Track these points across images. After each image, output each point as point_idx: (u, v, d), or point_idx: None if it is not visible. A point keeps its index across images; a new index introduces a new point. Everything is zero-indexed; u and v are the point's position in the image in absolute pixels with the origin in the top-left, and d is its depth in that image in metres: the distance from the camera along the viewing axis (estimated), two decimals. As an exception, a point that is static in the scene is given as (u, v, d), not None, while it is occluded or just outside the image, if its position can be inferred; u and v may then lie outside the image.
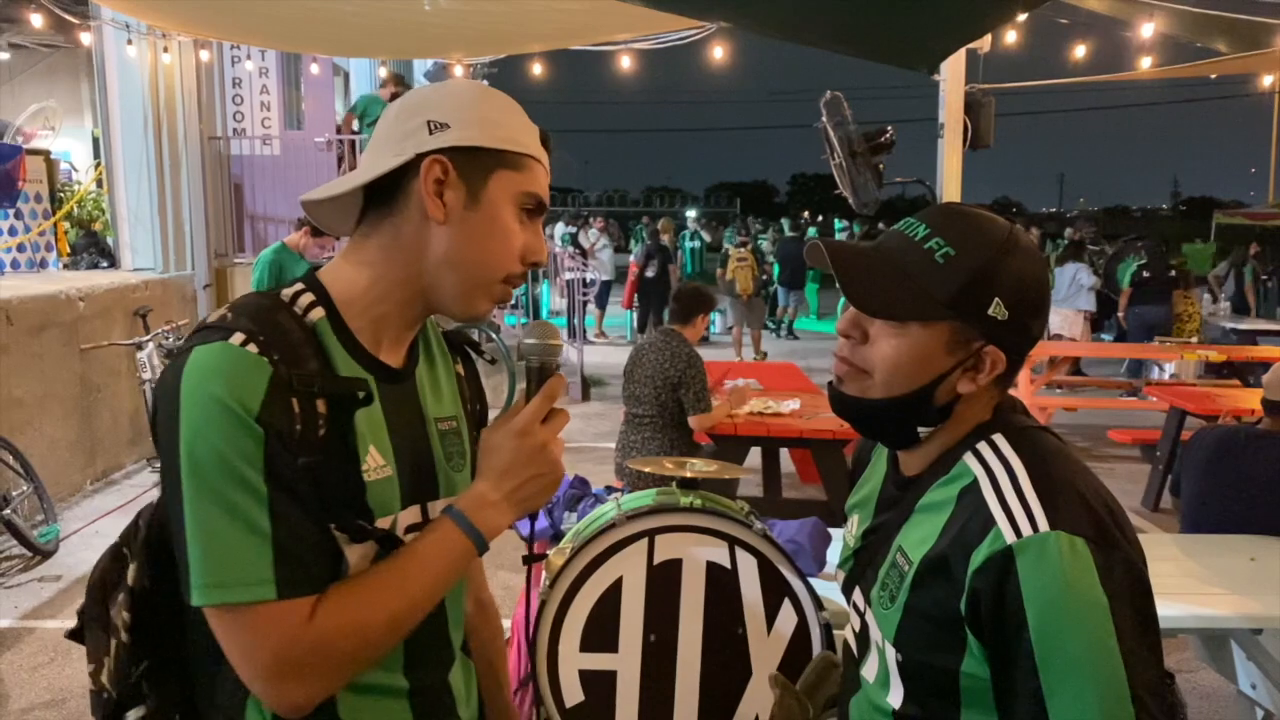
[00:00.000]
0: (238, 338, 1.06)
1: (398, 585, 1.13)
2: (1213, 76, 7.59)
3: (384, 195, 1.20)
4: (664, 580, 2.39)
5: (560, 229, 17.54)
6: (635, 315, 14.26)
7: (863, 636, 1.34)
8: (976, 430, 1.24)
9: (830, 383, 1.30)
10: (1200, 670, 3.84)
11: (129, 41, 8.09)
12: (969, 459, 1.21)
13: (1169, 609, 2.76)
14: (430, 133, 1.17)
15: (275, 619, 1.05)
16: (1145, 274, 10.42)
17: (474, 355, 1.45)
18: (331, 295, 1.18)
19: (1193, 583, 3.03)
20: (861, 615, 1.34)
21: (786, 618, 2.37)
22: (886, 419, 1.26)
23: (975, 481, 1.18)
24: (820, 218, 21.16)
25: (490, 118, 1.19)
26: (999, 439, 1.21)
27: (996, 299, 1.18)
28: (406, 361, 1.26)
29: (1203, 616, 2.84)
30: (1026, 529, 1.10)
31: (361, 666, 1.13)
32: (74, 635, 1.25)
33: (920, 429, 1.25)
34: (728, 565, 2.39)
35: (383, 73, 10.78)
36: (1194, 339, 9.91)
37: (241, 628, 1.06)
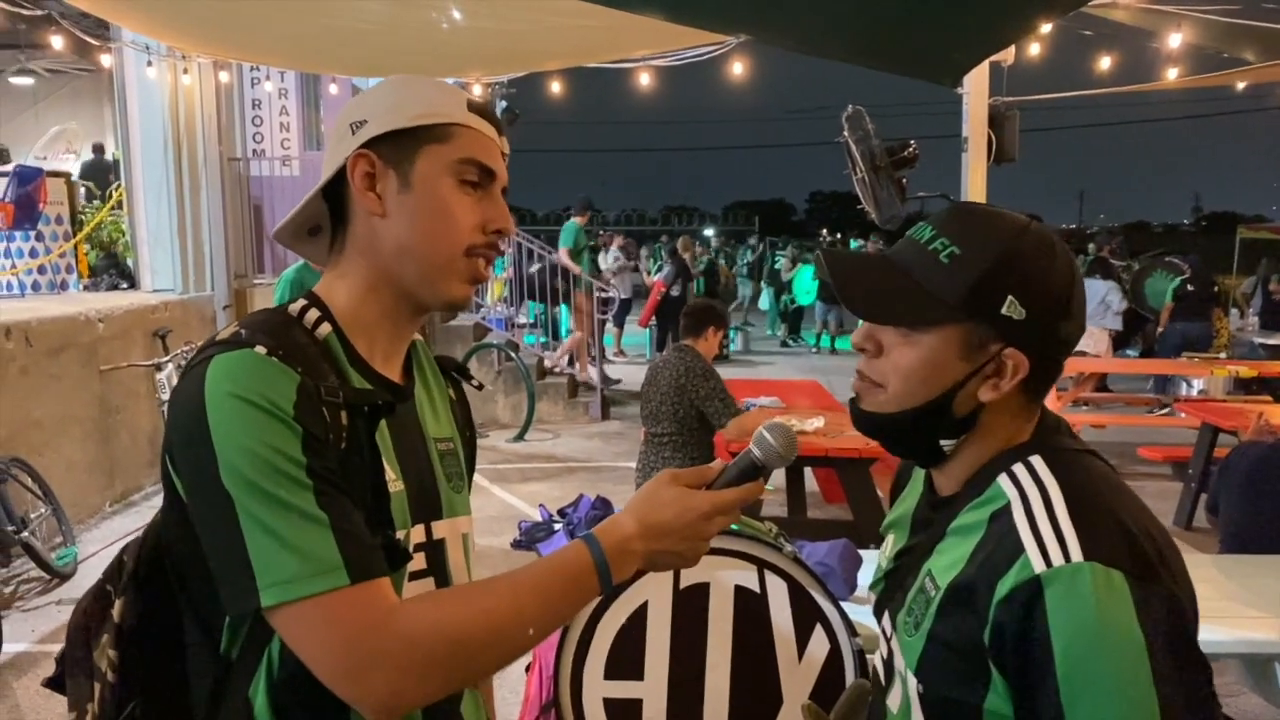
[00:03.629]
0: (260, 349, 1.06)
1: (506, 594, 1.08)
2: (1239, 87, 7.49)
3: (339, 211, 1.22)
4: (691, 605, 2.32)
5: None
6: (654, 334, 14.22)
7: (889, 663, 1.27)
8: (1014, 451, 1.16)
9: (850, 399, 1.24)
10: (1243, 695, 3.74)
11: (149, 63, 8.14)
12: (1003, 481, 1.13)
13: (1210, 632, 2.65)
14: (353, 134, 1.19)
15: (352, 605, 1.01)
16: (1189, 288, 10.26)
17: (464, 382, 1.44)
18: (332, 311, 1.18)
19: (1234, 605, 2.94)
20: (888, 641, 1.27)
21: (818, 644, 2.29)
22: (904, 432, 1.19)
23: (1007, 505, 1.10)
24: (839, 234, 21.11)
25: (403, 101, 1.19)
26: (1036, 460, 1.13)
27: (1010, 298, 1.10)
28: (405, 380, 1.25)
29: (1246, 640, 2.75)
30: (1058, 558, 1.01)
31: (458, 675, 1.07)
32: (52, 684, 1.20)
33: (944, 442, 1.18)
34: (757, 589, 2.31)
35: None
36: (1223, 354, 9.77)
37: (317, 620, 1.01)
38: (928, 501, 1.27)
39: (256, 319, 1.14)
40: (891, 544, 1.35)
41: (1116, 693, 0.97)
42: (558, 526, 5.72)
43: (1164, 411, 9.37)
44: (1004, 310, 1.10)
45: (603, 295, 10.69)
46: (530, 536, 5.79)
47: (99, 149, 12.18)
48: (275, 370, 1.05)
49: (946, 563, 1.13)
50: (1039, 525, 1.05)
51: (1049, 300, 1.11)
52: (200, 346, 1.11)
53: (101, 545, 5.91)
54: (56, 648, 1.20)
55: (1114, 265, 11.72)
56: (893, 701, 1.24)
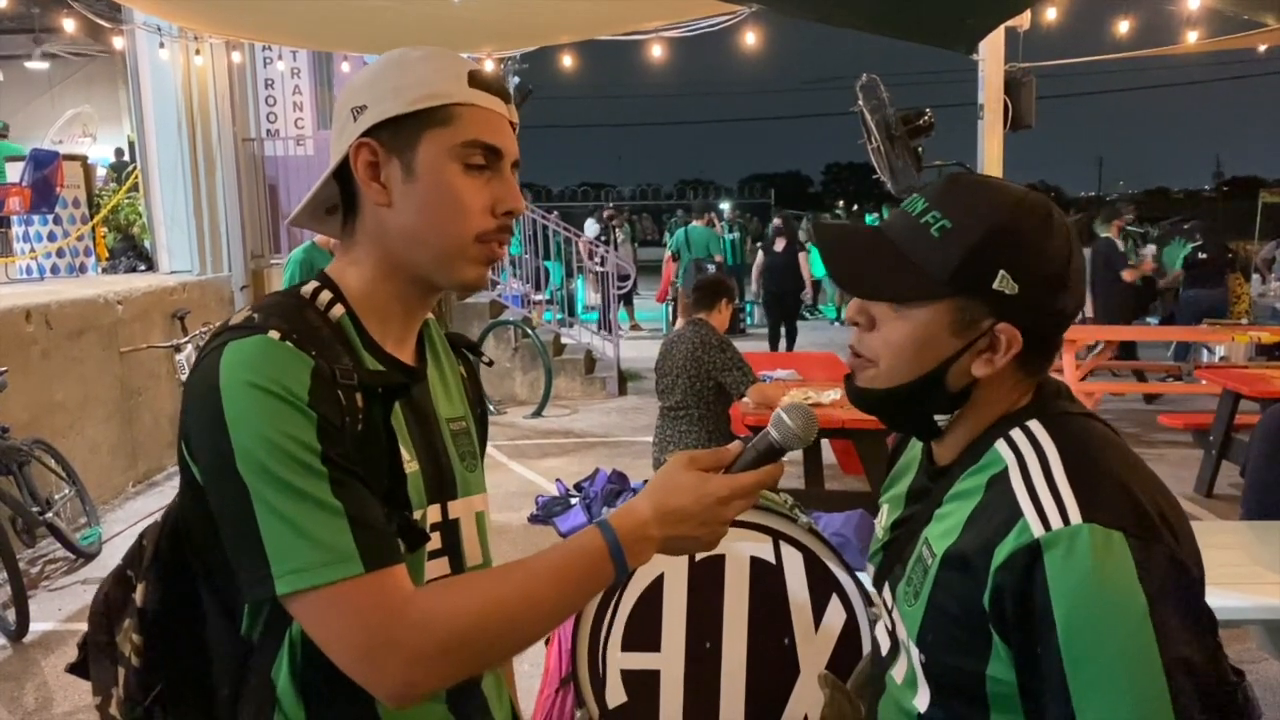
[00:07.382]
0: (274, 334, 1.05)
1: (520, 582, 1.07)
2: (1260, 49, 7.38)
3: (349, 195, 1.19)
4: (706, 577, 2.32)
5: (591, 226, 17.43)
6: (670, 309, 14.19)
7: (893, 635, 1.26)
8: (1012, 416, 1.14)
9: (845, 375, 1.23)
10: (1263, 661, 3.72)
11: (161, 45, 8.14)
12: (1000, 445, 1.11)
13: (1230, 599, 2.66)
14: (354, 120, 1.14)
15: (367, 593, 1.01)
16: (1201, 255, 10.11)
17: (474, 358, 1.42)
18: (344, 293, 1.16)
19: (1255, 571, 2.91)
20: (889, 612, 1.26)
21: (834, 614, 2.29)
22: (898, 408, 1.18)
23: (1005, 470, 1.09)
24: (855, 206, 20.98)
25: (402, 83, 1.13)
26: (1034, 424, 1.11)
27: (1002, 272, 1.07)
28: (417, 361, 1.24)
29: (1266, 606, 2.73)
30: (1056, 521, 1.00)
31: (472, 663, 1.07)
32: (75, 669, 1.21)
33: (938, 418, 1.16)
34: (772, 561, 2.32)
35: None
36: (1244, 320, 9.66)
37: (332, 609, 1.00)
38: (925, 471, 1.26)
39: (269, 302, 1.13)
40: (887, 515, 1.34)
41: (1120, 655, 0.96)
42: (574, 501, 5.75)
43: (1175, 380, 9.31)
44: (995, 285, 1.08)
45: (619, 271, 10.68)
46: (547, 511, 5.82)
47: (120, 153, 12.27)
48: (289, 355, 1.03)
49: (943, 529, 1.13)
50: (1036, 488, 1.04)
51: (1043, 274, 1.09)
52: (213, 332, 1.10)
53: (125, 525, 5.99)
54: (83, 627, 1.22)
55: (1132, 233, 11.58)
56: (898, 673, 1.23)
